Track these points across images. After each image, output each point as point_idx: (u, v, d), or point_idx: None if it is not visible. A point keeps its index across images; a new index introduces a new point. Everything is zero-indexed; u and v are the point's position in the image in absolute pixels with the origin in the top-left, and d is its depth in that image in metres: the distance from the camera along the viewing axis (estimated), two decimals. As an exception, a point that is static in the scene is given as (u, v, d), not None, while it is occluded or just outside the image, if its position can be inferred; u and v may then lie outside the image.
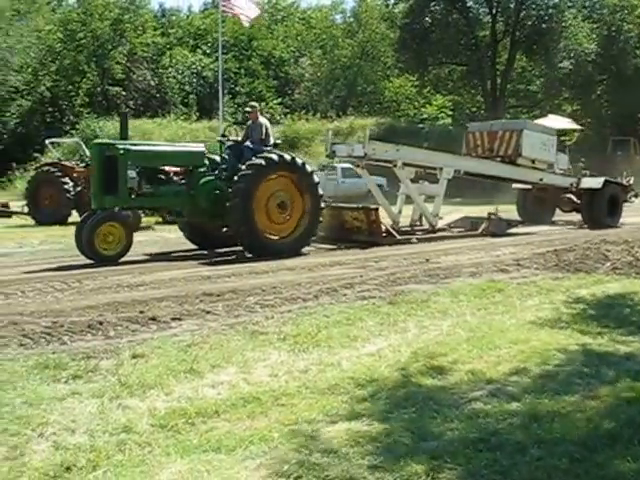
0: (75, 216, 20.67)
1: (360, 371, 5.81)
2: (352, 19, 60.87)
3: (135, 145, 13.44)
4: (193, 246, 14.36)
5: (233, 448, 4.33)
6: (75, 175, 21.84)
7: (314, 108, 51.00)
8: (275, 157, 13.34)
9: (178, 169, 13.71)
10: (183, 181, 13.58)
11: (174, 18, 70.19)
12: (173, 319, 7.66)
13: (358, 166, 16.94)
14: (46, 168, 22.86)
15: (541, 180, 19.10)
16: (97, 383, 5.57)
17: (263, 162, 13.12)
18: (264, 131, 14.16)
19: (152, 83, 57.27)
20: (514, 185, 20.21)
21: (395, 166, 16.34)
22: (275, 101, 55.34)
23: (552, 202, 20.46)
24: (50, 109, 55.08)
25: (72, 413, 4.96)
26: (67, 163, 23.21)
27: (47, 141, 28.07)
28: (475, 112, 46.69)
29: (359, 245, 14.46)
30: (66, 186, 21.34)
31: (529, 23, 45.20)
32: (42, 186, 21.91)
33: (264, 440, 4.43)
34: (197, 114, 49.09)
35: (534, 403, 5.05)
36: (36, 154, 37.45)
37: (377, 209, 15.25)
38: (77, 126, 45.87)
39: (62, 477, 4.01)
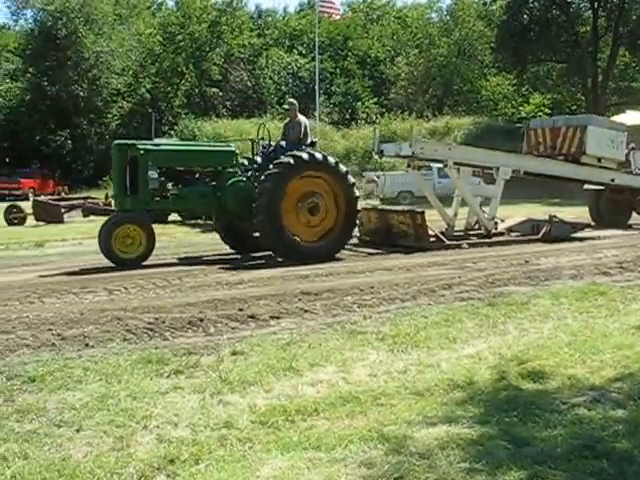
0: (175, 215, 21.14)
1: (459, 373, 5.74)
2: (448, 17, 60.30)
3: (158, 145, 13.09)
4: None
5: (333, 447, 4.34)
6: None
7: (410, 108, 50.72)
8: (305, 156, 12.48)
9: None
10: (213, 182, 13.07)
11: (270, 19, 70.99)
12: (272, 317, 7.75)
13: (409, 166, 16.31)
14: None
15: (613, 181, 17.67)
16: (198, 379, 5.69)
17: (292, 161, 12.34)
18: (302, 130, 13.42)
19: (249, 84, 58.07)
20: (585, 186, 18.81)
21: (446, 166, 15.51)
22: (371, 101, 55.34)
23: (627, 204, 19.04)
24: (149, 110, 56.47)
25: (175, 407, 5.07)
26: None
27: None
28: (575, 110, 45.50)
29: (403, 250, 13.66)
30: (166, 185, 21.79)
31: (633, 17, 43.74)
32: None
33: (363, 440, 4.42)
34: (293, 114, 49.51)
35: (640, 411, 4.89)
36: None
37: (423, 212, 14.32)
38: (175, 127, 46.96)
39: (166, 469, 4.10)
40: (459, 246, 14.31)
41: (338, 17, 31.05)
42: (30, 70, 54.65)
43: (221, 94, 56.51)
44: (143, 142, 12.94)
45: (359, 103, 54.71)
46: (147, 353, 6.32)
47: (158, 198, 12.68)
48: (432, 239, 14.39)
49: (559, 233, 15.55)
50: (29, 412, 4.99)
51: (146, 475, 4.03)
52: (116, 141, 13.07)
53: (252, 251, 13.41)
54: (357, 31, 65.75)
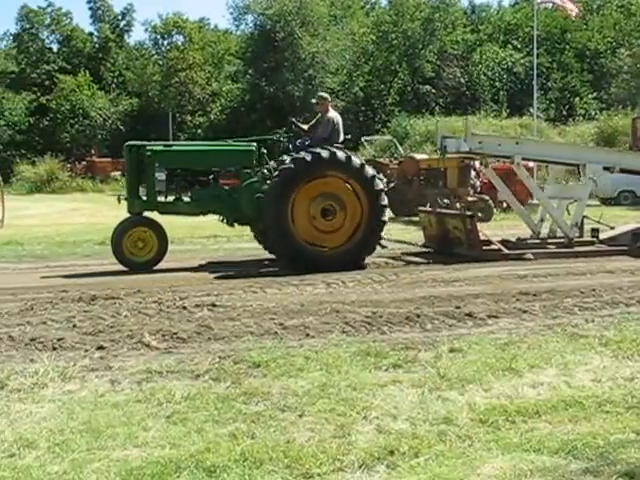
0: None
1: (693, 385, 5.40)
2: (679, 3, 56.62)
3: (168, 146, 12.67)
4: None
5: (556, 451, 4.24)
6: (388, 172, 22.57)
7: (633, 102, 48.10)
8: (308, 157, 11.35)
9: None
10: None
11: (484, 14, 69.91)
12: (489, 316, 7.66)
13: (481, 163, 14.47)
14: (360, 164, 23.83)
15: None
16: (416, 373, 5.73)
17: (292, 165, 11.39)
18: (330, 128, 12.20)
19: (462, 80, 57.48)
20: None
21: (512, 163, 13.61)
22: (590, 96, 53.11)
23: None
24: (363, 108, 57.36)
25: (393, 400, 5.14)
26: (381, 160, 23.99)
27: (363, 138, 29.23)
28: None
29: (445, 260, 12.08)
30: (379, 182, 22.14)
31: None
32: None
33: (588, 446, 4.29)
34: (507, 111, 48.52)
35: None
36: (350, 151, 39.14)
37: (472, 216, 12.64)
38: (388, 124, 47.38)
39: (386, 460, 4.17)
40: (521, 257, 12.31)
41: (574, 13, 29.83)
42: (249, 72, 57.29)
43: (434, 91, 56.31)
44: (153, 143, 12.67)
45: (577, 98, 52.65)
46: (365, 346, 6.45)
47: (171, 200, 12.32)
48: (487, 247, 12.53)
49: None
50: (255, 395, 5.25)
51: (367, 464, 4.12)
52: (127, 142, 12.81)
53: None
54: (575, 23, 63.22)
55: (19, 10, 63.59)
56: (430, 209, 13.81)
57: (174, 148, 12.78)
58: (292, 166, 11.41)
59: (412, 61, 57.07)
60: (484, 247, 12.47)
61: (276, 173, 11.57)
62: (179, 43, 60.34)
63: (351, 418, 4.80)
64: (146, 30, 63.60)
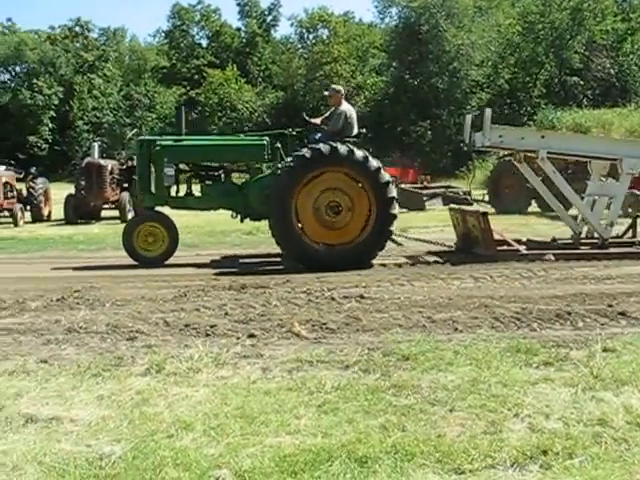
0: (534, 206, 21.05)
1: None
2: None
3: (178, 141, 12.40)
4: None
5: None
6: (535, 165, 22.03)
7: None
8: (308, 154, 11.06)
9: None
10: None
11: (636, 2, 67.09)
12: (644, 316, 7.40)
13: (515, 158, 13.14)
14: (508, 158, 23.41)
15: None
16: (569, 372, 5.59)
17: (292, 163, 11.15)
18: (342, 121, 11.81)
19: (611, 71, 55.45)
20: None
21: (537, 157, 12.57)
22: None
23: None
24: (508, 101, 56.31)
25: (545, 398, 5.05)
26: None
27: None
28: None
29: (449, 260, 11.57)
30: (528, 176, 21.72)
31: None
32: (503, 176, 22.55)
33: None
34: (660, 102, 46.51)
35: None
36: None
37: (485, 214, 12.01)
38: (534, 117, 46.28)
39: (538, 459, 4.11)
40: (540, 257, 11.52)
41: None
42: (393, 64, 57.44)
43: (582, 83, 54.59)
44: (164, 137, 12.64)
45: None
46: (515, 342, 6.35)
47: (184, 195, 12.33)
48: (502, 247, 11.92)
49: None
50: (404, 388, 5.27)
51: (519, 462, 4.07)
52: (139, 137, 12.66)
53: None
54: None
55: (171, 8, 66.29)
56: (457, 207, 13.41)
57: (183, 143, 12.66)
58: (292, 164, 11.22)
59: (559, 52, 55.51)
60: (502, 247, 11.96)
61: (278, 172, 11.49)
62: (324, 37, 61.18)
63: (502, 415, 4.75)
64: (292, 24, 65.19)
